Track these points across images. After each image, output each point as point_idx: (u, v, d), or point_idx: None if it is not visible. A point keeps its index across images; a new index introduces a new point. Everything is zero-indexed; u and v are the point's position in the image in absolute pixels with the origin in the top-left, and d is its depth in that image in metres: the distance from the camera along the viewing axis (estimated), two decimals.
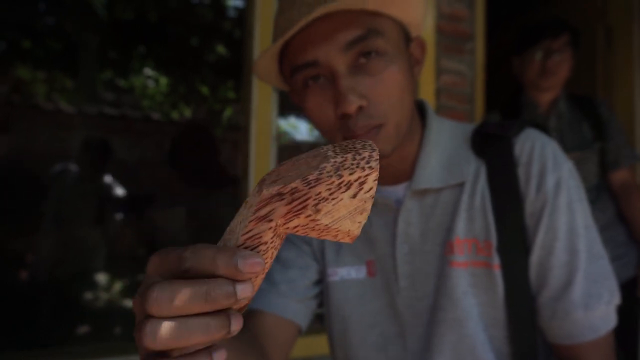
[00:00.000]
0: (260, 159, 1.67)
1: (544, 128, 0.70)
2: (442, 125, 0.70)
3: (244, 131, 1.72)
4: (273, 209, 0.29)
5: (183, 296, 0.28)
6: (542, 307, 0.63)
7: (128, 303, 2.77)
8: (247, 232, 0.30)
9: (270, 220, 0.29)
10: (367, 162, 0.30)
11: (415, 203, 0.67)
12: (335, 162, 0.30)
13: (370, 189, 0.30)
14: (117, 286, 2.82)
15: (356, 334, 0.70)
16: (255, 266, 0.29)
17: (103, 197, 2.77)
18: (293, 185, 0.29)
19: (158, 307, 0.28)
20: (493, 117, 1.73)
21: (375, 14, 0.58)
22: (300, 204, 0.29)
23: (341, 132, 0.60)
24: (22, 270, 2.63)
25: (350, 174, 0.29)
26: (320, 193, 0.29)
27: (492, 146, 0.66)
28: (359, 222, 0.31)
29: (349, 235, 0.31)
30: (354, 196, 0.30)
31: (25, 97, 3.33)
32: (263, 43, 1.69)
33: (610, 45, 2.36)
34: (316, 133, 3.39)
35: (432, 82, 1.90)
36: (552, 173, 0.62)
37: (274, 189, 0.29)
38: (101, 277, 2.77)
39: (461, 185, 0.65)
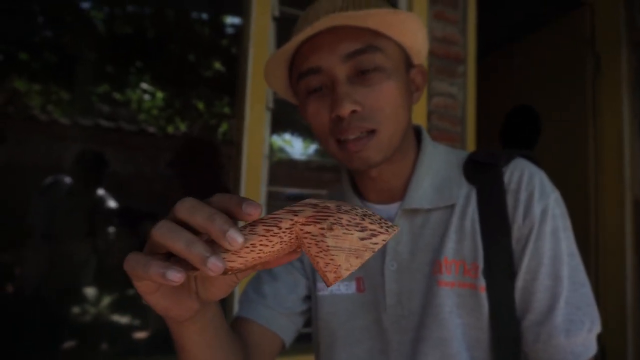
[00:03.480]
0: (252, 175, 1.68)
1: (534, 159, 0.72)
2: (437, 150, 0.74)
3: (237, 147, 1.73)
4: (303, 209, 0.36)
5: (194, 209, 0.36)
6: (527, 330, 0.64)
7: (116, 318, 2.74)
8: (274, 213, 0.37)
9: (296, 215, 0.36)
10: (386, 226, 0.37)
11: (405, 222, 0.69)
12: (366, 211, 0.37)
13: (376, 243, 0.36)
14: (106, 300, 2.79)
15: (343, 349, 0.72)
16: (255, 209, 0.36)
17: (95, 210, 2.76)
18: (328, 204, 0.37)
19: (179, 209, 0.37)
20: None
21: (377, 34, 0.63)
22: (323, 215, 0.36)
23: (333, 134, 0.64)
24: (10, 284, 2.60)
25: (370, 223, 0.36)
26: (342, 219, 0.36)
27: (483, 173, 0.69)
28: (350, 264, 0.35)
29: (336, 272, 0.36)
30: (362, 239, 0.35)
31: (21, 108, 3.33)
32: (257, 60, 1.72)
33: (599, 72, 2.41)
34: (311, 150, 3.41)
35: (424, 104, 1.93)
36: (539, 201, 0.65)
37: (313, 201, 0.37)
38: (90, 291, 2.74)
39: (451, 207, 0.68)
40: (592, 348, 0.63)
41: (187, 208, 0.37)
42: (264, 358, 0.69)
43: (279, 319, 0.72)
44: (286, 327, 0.72)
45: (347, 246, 0.35)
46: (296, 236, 0.36)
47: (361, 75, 0.62)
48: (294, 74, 0.67)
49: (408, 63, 0.69)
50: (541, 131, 2.71)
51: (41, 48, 3.27)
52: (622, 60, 2.32)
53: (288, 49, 0.63)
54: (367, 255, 0.35)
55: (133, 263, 0.37)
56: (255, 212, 0.36)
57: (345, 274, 0.35)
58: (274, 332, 0.71)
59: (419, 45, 0.68)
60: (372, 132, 0.62)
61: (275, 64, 0.67)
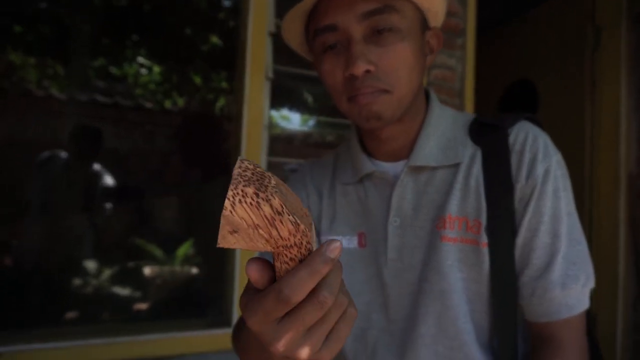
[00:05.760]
0: (252, 147, 1.69)
1: (538, 122, 0.74)
2: (444, 112, 0.75)
3: (236, 120, 1.74)
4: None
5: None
6: (524, 285, 0.67)
7: (117, 290, 2.78)
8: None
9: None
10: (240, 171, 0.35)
11: (410, 179, 0.71)
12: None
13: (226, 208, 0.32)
14: (106, 273, 2.82)
15: None
16: (337, 249, 0.34)
17: (91, 184, 2.76)
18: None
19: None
20: None
21: None
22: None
23: (346, 92, 0.65)
24: (9, 258, 2.62)
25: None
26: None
27: (489, 134, 0.71)
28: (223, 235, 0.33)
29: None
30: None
31: (16, 82, 3.30)
32: (256, 30, 1.71)
33: (599, 46, 2.40)
34: (310, 124, 3.41)
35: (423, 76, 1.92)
36: (542, 162, 0.67)
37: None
38: (90, 265, 2.78)
39: (456, 166, 0.70)
40: (585, 302, 0.66)
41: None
42: None
43: None
44: None
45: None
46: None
47: (376, 35, 0.62)
48: (311, 30, 0.68)
49: (424, 25, 0.69)
50: (539, 105, 2.72)
51: (36, 20, 3.22)
52: (622, 34, 2.32)
53: (306, 4, 0.64)
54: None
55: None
56: (338, 249, 0.34)
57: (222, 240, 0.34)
58: None
59: (436, 7, 0.68)
60: (384, 91, 0.64)
61: (292, 19, 0.67)
